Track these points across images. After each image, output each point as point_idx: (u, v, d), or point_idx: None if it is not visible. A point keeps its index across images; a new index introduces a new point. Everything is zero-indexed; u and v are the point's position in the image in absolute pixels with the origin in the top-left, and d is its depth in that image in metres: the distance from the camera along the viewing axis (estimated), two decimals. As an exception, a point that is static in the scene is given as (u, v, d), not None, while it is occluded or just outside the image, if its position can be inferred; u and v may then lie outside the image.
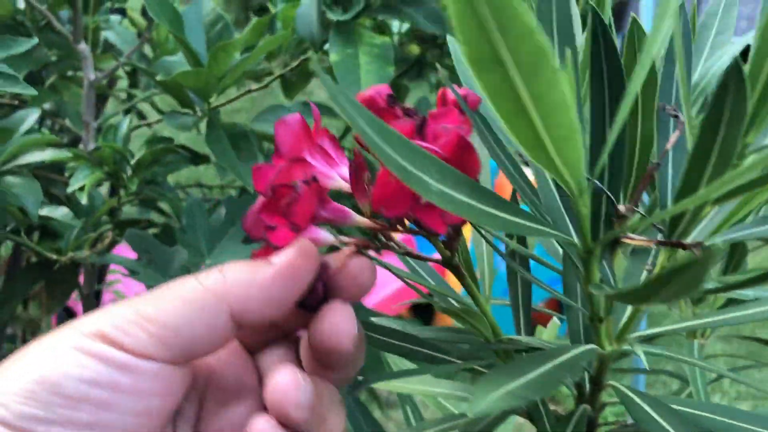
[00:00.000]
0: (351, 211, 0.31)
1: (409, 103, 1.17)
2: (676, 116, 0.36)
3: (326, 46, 0.93)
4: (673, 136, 0.35)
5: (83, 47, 0.85)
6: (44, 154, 0.62)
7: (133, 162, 0.77)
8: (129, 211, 1.00)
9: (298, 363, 0.32)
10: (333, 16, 0.88)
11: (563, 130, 0.22)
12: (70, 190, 0.71)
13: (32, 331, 1.07)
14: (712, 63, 0.45)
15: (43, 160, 0.61)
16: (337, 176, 0.32)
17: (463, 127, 0.30)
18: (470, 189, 0.25)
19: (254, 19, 1.03)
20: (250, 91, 0.90)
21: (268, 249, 0.31)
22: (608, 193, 0.30)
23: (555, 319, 0.51)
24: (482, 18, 0.18)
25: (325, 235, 0.31)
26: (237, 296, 0.28)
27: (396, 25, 1.14)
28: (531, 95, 0.20)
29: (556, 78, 0.20)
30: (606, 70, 0.31)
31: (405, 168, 0.22)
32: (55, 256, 0.67)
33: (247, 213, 0.31)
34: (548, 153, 0.23)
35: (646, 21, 1.56)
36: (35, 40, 0.61)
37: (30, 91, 0.57)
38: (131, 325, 0.26)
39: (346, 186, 0.32)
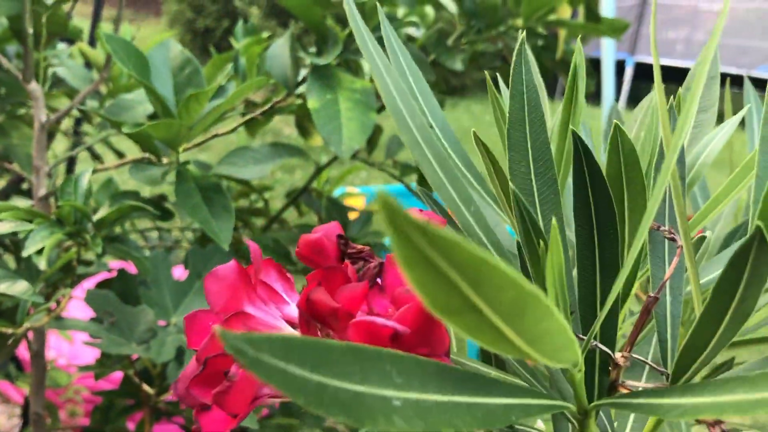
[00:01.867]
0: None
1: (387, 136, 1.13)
2: (672, 239, 0.32)
3: (300, 89, 0.89)
4: (673, 263, 0.32)
5: (34, 86, 0.80)
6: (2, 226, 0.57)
7: (95, 219, 0.72)
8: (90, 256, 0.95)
9: None
10: (309, 59, 0.84)
11: (556, 343, 0.18)
12: (26, 253, 0.66)
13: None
14: (702, 148, 0.42)
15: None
16: (284, 324, 0.29)
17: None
18: (440, 379, 0.21)
19: (215, 56, 0.99)
20: (216, 136, 0.86)
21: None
22: (605, 349, 0.27)
23: None
24: (445, 273, 0.14)
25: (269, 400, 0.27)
26: None
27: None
28: (517, 332, 0.17)
29: (545, 314, 0.16)
30: (594, 212, 0.27)
31: (357, 395, 0.18)
32: (10, 330, 0.62)
33: (180, 377, 0.27)
34: (540, 360, 0.20)
35: (607, 51, 1.53)
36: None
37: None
38: None
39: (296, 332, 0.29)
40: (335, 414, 0.18)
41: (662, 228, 0.32)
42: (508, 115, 0.28)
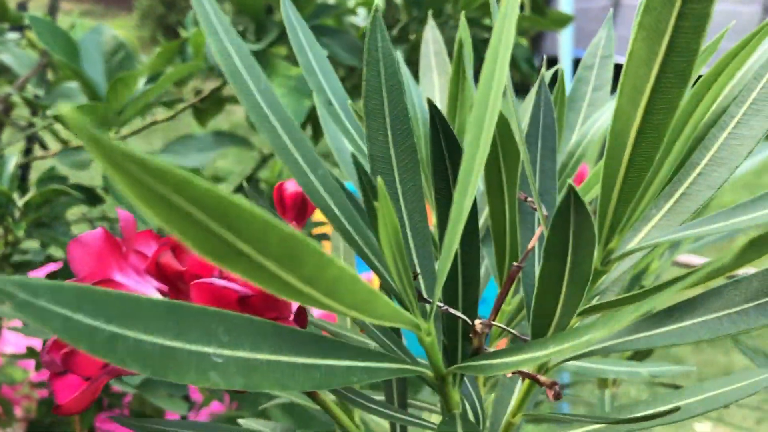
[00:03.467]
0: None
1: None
2: (534, 209, 0.33)
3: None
4: (537, 232, 0.32)
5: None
6: None
7: (20, 203, 0.71)
8: (32, 245, 0.94)
9: None
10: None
11: (360, 295, 0.19)
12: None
13: None
14: (590, 126, 0.43)
15: None
16: (155, 293, 0.29)
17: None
18: (275, 340, 0.21)
19: (162, 45, 0.98)
20: (155, 123, 0.85)
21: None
22: (460, 315, 0.27)
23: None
24: (199, 220, 0.14)
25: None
26: None
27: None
28: (301, 279, 0.17)
29: (323, 261, 0.16)
30: (451, 176, 0.28)
31: (166, 349, 0.18)
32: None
33: (45, 345, 0.27)
34: (353, 315, 0.20)
35: (564, 44, 1.56)
36: None
37: None
38: None
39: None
40: (129, 364, 0.18)
41: (529, 199, 0.33)
42: (364, 83, 0.28)
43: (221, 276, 0.26)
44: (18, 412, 1.29)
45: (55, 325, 0.16)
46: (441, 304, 0.28)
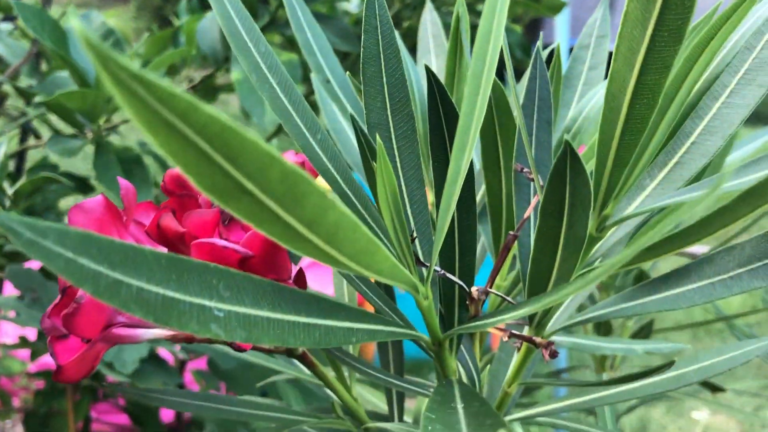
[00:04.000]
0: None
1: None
2: (531, 179, 0.33)
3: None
4: (533, 202, 0.33)
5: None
6: None
7: (11, 192, 0.71)
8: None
9: None
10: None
11: (359, 244, 0.19)
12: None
13: None
14: (585, 103, 0.43)
15: None
16: None
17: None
18: (275, 298, 0.22)
19: (155, 33, 0.98)
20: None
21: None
22: (457, 280, 0.28)
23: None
24: (202, 149, 0.14)
25: (133, 332, 0.27)
26: None
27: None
28: (302, 222, 0.17)
29: (325, 203, 0.17)
30: (449, 145, 0.28)
31: (168, 299, 0.19)
32: None
33: (46, 311, 0.27)
34: (351, 268, 0.20)
35: (561, 33, 1.57)
36: None
37: None
38: None
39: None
40: (133, 309, 0.19)
41: (525, 170, 0.33)
42: (362, 49, 0.28)
43: (222, 238, 0.27)
44: (16, 403, 1.29)
45: (58, 264, 0.17)
46: (438, 269, 0.29)
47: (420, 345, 0.30)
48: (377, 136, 0.23)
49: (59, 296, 0.28)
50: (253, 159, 0.15)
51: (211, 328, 0.21)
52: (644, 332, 0.62)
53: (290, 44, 0.97)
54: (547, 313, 0.30)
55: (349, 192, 0.26)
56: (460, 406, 0.26)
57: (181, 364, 1.02)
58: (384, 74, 0.29)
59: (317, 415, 0.38)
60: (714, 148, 0.30)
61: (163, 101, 0.14)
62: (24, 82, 1.01)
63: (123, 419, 1.11)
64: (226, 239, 0.27)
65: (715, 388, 0.63)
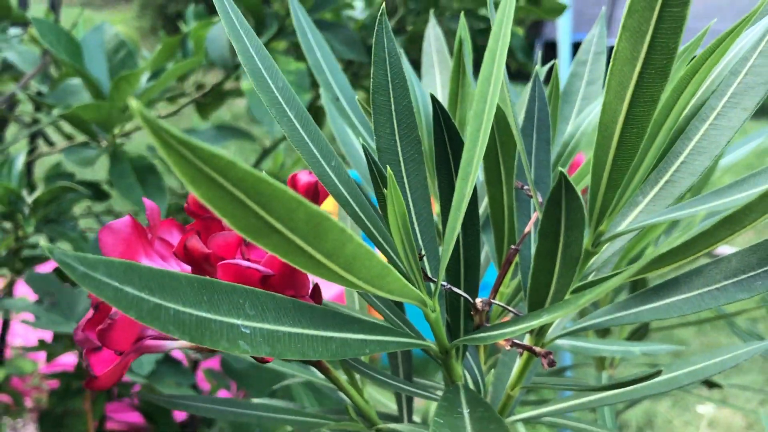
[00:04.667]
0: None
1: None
2: (530, 196, 0.36)
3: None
4: (533, 217, 0.35)
5: (-23, 74, 0.81)
6: None
7: (30, 200, 0.74)
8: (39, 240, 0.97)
9: None
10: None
11: (374, 270, 0.22)
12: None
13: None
14: (583, 118, 0.45)
15: None
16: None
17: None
18: (295, 314, 0.24)
19: (163, 40, 1.01)
20: (159, 118, 0.88)
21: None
22: (462, 293, 0.30)
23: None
24: (238, 198, 0.17)
25: (161, 343, 0.30)
26: None
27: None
28: (323, 254, 0.20)
29: (344, 237, 0.19)
30: (453, 166, 0.31)
31: (201, 320, 0.21)
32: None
33: (79, 323, 0.30)
34: (366, 289, 0.23)
35: (563, 29, 1.58)
36: None
37: None
38: None
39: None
40: (171, 331, 0.21)
41: (525, 187, 0.35)
42: (372, 80, 0.31)
43: (244, 258, 0.29)
44: (28, 402, 1.32)
45: (107, 294, 0.19)
46: (445, 284, 0.31)
47: (428, 353, 0.32)
48: (388, 169, 0.25)
49: (92, 311, 0.30)
50: (283, 204, 0.17)
51: (239, 345, 0.23)
52: (640, 333, 0.64)
53: (296, 48, 0.99)
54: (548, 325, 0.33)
55: (362, 215, 0.29)
56: (466, 411, 0.28)
57: (194, 364, 1.05)
58: (392, 103, 0.31)
59: (332, 417, 0.40)
60: (702, 167, 0.32)
61: (206, 161, 0.16)
62: (34, 88, 1.04)
63: (136, 417, 1.14)
64: (248, 259, 0.29)
65: (712, 385, 0.65)
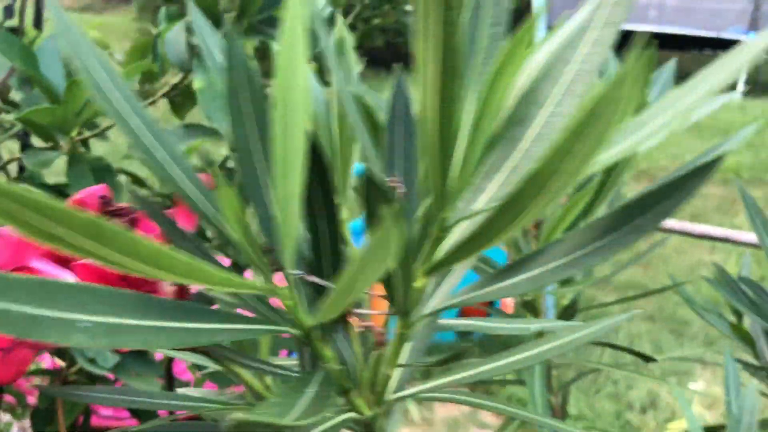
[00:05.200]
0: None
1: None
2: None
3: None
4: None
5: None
6: None
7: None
8: None
9: None
10: (196, 40, 0.88)
11: (181, 267, 0.24)
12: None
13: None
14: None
15: None
16: (72, 277, 0.34)
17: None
18: (142, 307, 0.26)
19: (134, 42, 1.03)
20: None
21: None
22: (316, 280, 0.32)
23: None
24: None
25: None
26: None
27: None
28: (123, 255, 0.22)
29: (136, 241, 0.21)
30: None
31: (33, 316, 0.23)
32: None
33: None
34: (190, 282, 0.25)
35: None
36: None
37: None
38: None
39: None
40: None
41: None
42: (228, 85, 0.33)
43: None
44: (32, 401, 1.37)
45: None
46: (296, 272, 0.33)
47: (294, 337, 0.35)
48: (216, 168, 0.27)
49: None
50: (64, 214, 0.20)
51: (71, 338, 0.26)
52: (570, 312, 0.66)
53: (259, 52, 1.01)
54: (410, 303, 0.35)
55: (209, 215, 0.31)
56: (311, 390, 0.30)
57: (170, 358, 1.08)
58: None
59: (236, 403, 0.43)
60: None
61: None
62: (16, 94, 1.07)
63: (121, 412, 1.17)
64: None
65: (647, 359, 0.67)
